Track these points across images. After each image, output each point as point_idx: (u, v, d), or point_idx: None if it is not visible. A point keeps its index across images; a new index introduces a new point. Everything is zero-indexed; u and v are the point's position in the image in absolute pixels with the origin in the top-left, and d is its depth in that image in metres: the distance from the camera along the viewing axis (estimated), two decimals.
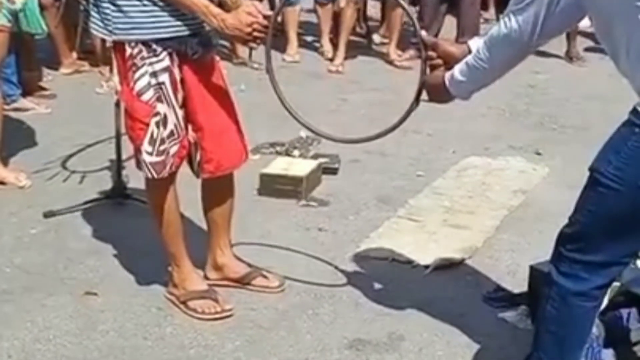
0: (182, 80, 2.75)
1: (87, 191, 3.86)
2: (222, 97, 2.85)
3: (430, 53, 2.42)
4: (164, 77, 2.69)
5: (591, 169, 2.15)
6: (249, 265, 3.09)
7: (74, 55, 5.94)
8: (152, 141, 2.72)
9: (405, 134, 4.53)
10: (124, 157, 3.72)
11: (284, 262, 3.25)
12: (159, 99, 2.71)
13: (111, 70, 3.82)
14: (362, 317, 2.91)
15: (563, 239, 2.23)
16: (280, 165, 4.07)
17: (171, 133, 2.74)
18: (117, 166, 3.77)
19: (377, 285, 3.12)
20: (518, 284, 3.05)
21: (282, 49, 6.41)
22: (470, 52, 2.34)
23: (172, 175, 2.81)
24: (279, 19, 6.60)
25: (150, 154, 2.72)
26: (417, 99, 2.46)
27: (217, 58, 2.89)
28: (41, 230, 3.52)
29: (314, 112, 4.90)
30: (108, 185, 3.83)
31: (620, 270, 2.25)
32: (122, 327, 2.82)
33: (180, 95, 2.75)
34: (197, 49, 2.72)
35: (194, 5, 2.61)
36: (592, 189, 2.15)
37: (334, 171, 4.21)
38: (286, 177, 3.94)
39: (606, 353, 2.46)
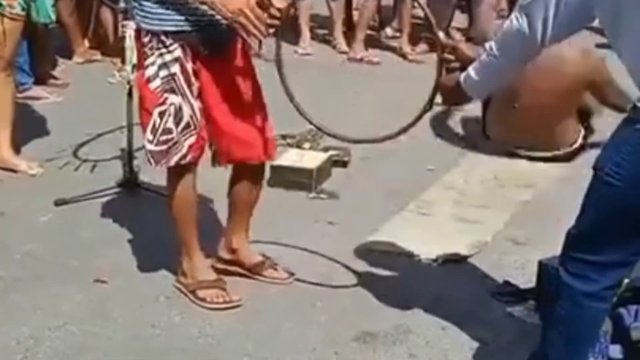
0: (197, 73, 2.74)
1: (98, 180, 3.88)
2: (241, 91, 2.81)
3: (448, 56, 2.40)
4: (175, 69, 2.70)
5: (594, 167, 2.15)
6: (263, 255, 3.10)
7: (87, 43, 5.96)
8: (154, 130, 2.73)
9: (417, 128, 4.51)
10: (135, 146, 3.73)
11: (293, 254, 3.26)
12: (171, 90, 2.71)
13: (123, 61, 3.83)
14: (369, 309, 2.91)
15: (570, 239, 2.22)
16: (290, 157, 4.08)
17: (187, 125, 2.74)
18: (128, 155, 3.78)
19: (385, 279, 3.12)
20: (527, 280, 3.04)
21: (295, 41, 6.40)
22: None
23: (190, 166, 2.81)
24: (291, 11, 6.60)
25: (151, 142, 2.75)
26: (430, 102, 2.44)
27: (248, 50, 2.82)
28: (52, 218, 3.55)
29: (326, 104, 4.89)
30: (119, 174, 3.85)
31: (629, 270, 2.23)
32: (131, 315, 2.83)
33: (195, 87, 2.74)
34: (210, 44, 2.69)
35: None
36: (595, 187, 2.14)
37: (344, 164, 4.21)
38: (296, 169, 3.94)
39: (614, 349, 2.46)
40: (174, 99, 2.71)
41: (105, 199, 3.69)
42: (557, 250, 2.84)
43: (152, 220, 3.40)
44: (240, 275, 3.04)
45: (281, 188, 3.88)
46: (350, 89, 5.56)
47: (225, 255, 3.05)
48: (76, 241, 3.34)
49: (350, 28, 6.65)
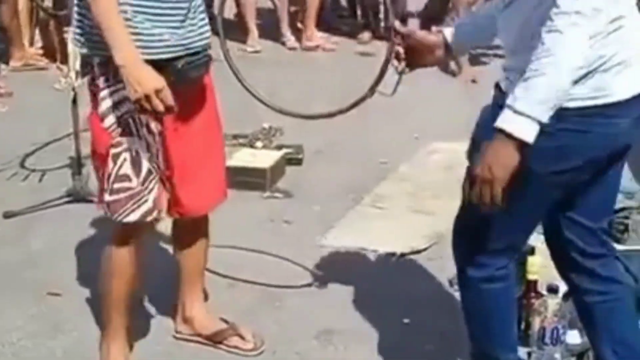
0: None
1: (48, 190, 3.80)
2: (203, 132, 2.46)
3: (399, 48, 2.26)
4: (132, 106, 2.27)
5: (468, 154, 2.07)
6: (226, 321, 2.72)
7: (32, 50, 5.84)
8: (108, 177, 2.35)
9: (368, 122, 4.51)
10: (83, 153, 3.65)
11: (251, 256, 3.23)
12: (128, 132, 2.32)
13: (68, 67, 3.75)
14: (330, 307, 2.89)
15: (456, 227, 2.18)
16: (243, 157, 4.05)
17: (148, 172, 2.35)
18: (76, 165, 3.71)
19: (344, 275, 3.10)
20: None
21: (243, 39, 6.37)
22: (445, 41, 2.24)
23: (151, 223, 2.41)
24: (234, 10, 6.58)
25: (106, 191, 2.36)
26: (372, 88, 2.39)
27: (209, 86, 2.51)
28: (1, 231, 3.46)
29: (279, 100, 4.85)
30: (68, 183, 3.77)
31: (520, 248, 2.20)
32: (85, 327, 2.77)
33: (155, 127, 2.34)
34: (175, 78, 2.29)
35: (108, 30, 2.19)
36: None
37: (298, 162, 4.19)
38: (250, 169, 3.91)
39: (572, 334, 2.48)
40: (131, 141, 2.32)
41: (55, 209, 3.61)
42: None
43: (103, 230, 3.33)
44: (202, 343, 2.67)
45: (235, 189, 3.82)
46: (302, 82, 5.53)
47: (182, 327, 2.68)
48: (28, 254, 3.26)
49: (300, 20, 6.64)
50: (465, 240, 2.16)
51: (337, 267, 3.17)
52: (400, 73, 2.29)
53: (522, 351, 2.51)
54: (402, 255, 3.25)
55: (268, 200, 3.80)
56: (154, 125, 2.34)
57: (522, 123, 1.81)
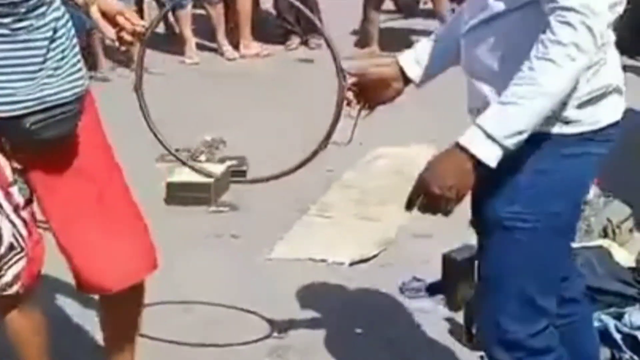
0: (25, 174, 2.02)
1: None
2: (96, 193, 2.08)
3: (350, 96, 2.11)
4: None
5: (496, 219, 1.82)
6: None
7: None
8: None
9: (312, 131, 4.48)
10: None
11: (198, 273, 3.18)
12: None
13: None
14: (281, 322, 2.86)
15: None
16: (186, 172, 3.98)
17: (10, 247, 2.02)
18: None
19: (294, 287, 3.07)
20: (432, 273, 3.05)
21: (180, 51, 6.30)
22: (401, 68, 2.07)
23: (20, 296, 2.09)
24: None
25: None
26: (325, 140, 2.20)
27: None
28: None
29: (221, 117, 4.79)
30: None
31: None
32: None
33: (20, 194, 2.02)
34: (21, 139, 1.93)
35: None
36: (504, 238, 1.83)
37: (242, 174, 4.15)
38: (194, 184, 3.85)
39: None
40: None
41: None
42: (461, 240, 2.90)
43: None
44: None
45: (179, 205, 3.79)
46: (243, 95, 5.49)
47: None
48: None
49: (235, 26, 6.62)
50: (497, 319, 1.86)
51: (287, 280, 3.13)
52: (356, 117, 2.14)
53: (474, 355, 2.53)
54: (352, 263, 3.24)
55: (214, 215, 3.75)
56: (16, 192, 2.01)
57: (490, 147, 1.67)
